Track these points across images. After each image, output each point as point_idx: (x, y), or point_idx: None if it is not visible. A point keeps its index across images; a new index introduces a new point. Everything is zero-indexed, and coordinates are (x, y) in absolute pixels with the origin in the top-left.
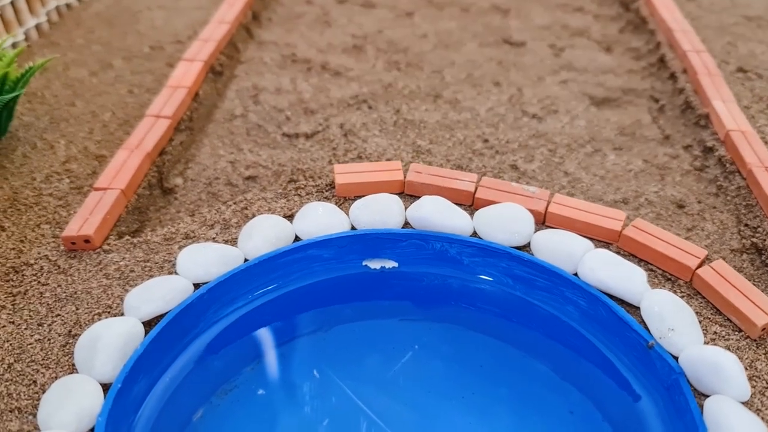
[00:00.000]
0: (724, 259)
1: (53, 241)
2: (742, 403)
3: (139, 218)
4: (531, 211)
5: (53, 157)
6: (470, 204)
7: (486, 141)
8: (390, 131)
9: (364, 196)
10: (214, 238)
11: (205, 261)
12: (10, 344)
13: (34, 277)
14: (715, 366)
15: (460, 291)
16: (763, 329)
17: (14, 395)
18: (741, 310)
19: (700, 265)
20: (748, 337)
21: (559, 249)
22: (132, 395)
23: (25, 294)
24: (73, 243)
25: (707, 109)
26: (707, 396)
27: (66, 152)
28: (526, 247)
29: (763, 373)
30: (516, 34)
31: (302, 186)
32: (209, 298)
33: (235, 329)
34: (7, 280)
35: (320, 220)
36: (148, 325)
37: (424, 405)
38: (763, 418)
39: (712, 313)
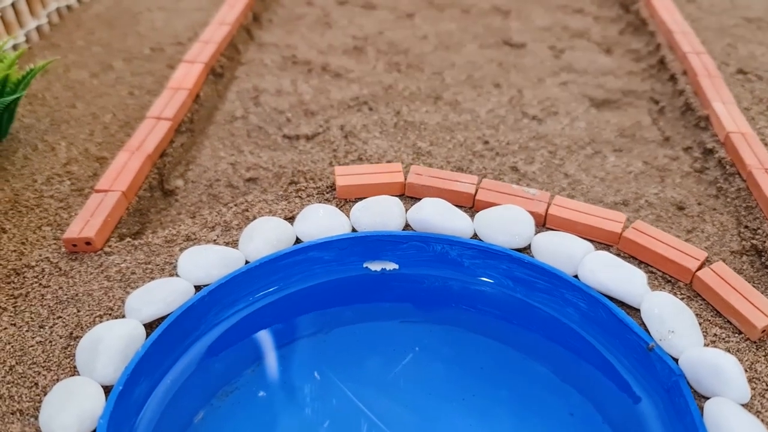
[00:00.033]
0: (724, 261)
1: (54, 243)
2: (742, 405)
3: (140, 220)
4: (531, 213)
5: (54, 159)
6: (471, 206)
7: (486, 143)
8: (390, 133)
9: (364, 198)
10: (215, 240)
11: (206, 263)
12: (12, 346)
13: (36, 279)
14: (715, 368)
15: (461, 293)
16: (763, 331)
17: (16, 397)
18: (741, 312)
19: (700, 267)
20: (748, 339)
21: (559, 251)
22: (133, 397)
23: (26, 296)
24: (74, 245)
25: (707, 110)
26: (707, 398)
27: (67, 154)
28: (526, 249)
29: (763, 375)
30: (516, 35)
31: (303, 188)
32: (210, 301)
33: (236, 331)
34: (9, 282)
35: (321, 222)
36: (150, 327)
37: (425, 407)
38: (763, 420)
39: (712, 315)
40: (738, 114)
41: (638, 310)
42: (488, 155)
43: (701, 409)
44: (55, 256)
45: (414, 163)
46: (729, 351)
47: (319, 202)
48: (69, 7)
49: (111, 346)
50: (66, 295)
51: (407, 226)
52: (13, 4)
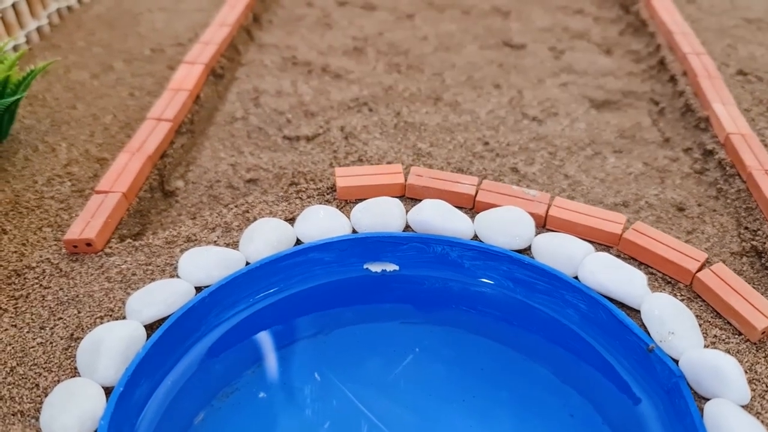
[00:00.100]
0: (724, 262)
1: (55, 245)
2: (742, 406)
3: (141, 221)
4: (531, 214)
5: (55, 160)
6: (471, 207)
7: (486, 144)
8: (390, 134)
9: (365, 199)
10: (215, 242)
11: (206, 264)
12: (13, 347)
13: (36, 281)
14: (715, 369)
15: (461, 294)
16: (763, 332)
17: (17, 399)
18: (741, 313)
19: (700, 269)
20: (748, 340)
21: (559, 252)
22: (134, 398)
23: (27, 297)
24: (75, 246)
25: (707, 111)
26: (707, 399)
27: (67, 155)
28: (526, 250)
29: (763, 377)
30: (516, 36)
31: (303, 189)
32: (211, 302)
33: (237, 332)
34: (9, 284)
35: (321, 223)
36: (150, 328)
37: (425, 408)
38: (763, 422)
39: (712, 317)
40: (738, 115)
41: (638, 312)
42: (488, 156)
43: (701, 410)
44: (55, 258)
45: (414, 165)
46: (729, 352)
47: (320, 204)
48: (69, 8)
49: (112, 347)
50: (67, 296)
51: (407, 228)
52: (13, 5)
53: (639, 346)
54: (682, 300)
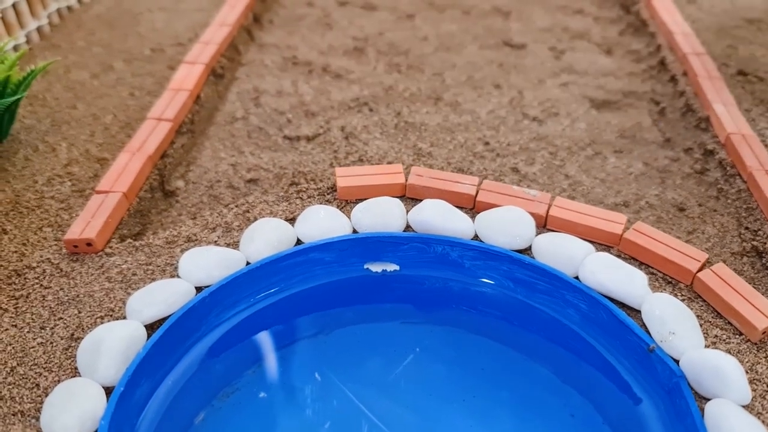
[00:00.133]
0: (724, 262)
1: (55, 245)
2: (743, 406)
3: (141, 221)
4: (532, 214)
5: (55, 160)
6: (471, 207)
7: (487, 144)
8: (391, 134)
9: (365, 199)
10: (215, 242)
11: (207, 264)
12: (13, 347)
13: (37, 281)
14: (715, 369)
15: (462, 294)
16: (764, 332)
17: (17, 399)
18: (742, 313)
19: (700, 269)
20: (748, 340)
21: (560, 252)
22: (134, 398)
23: (27, 297)
24: (75, 246)
25: (708, 112)
26: (708, 399)
27: (68, 155)
28: (527, 250)
29: (764, 377)
30: (516, 36)
31: (304, 189)
32: (211, 302)
33: (237, 332)
34: (10, 284)
35: (322, 223)
36: (151, 328)
37: (426, 408)
38: (764, 422)
39: (712, 317)
40: (738, 115)
41: (639, 312)
42: (489, 156)
43: (702, 410)
44: (56, 257)
45: (414, 164)
46: (730, 352)
47: (320, 203)
48: (69, 8)
49: (112, 347)
50: (67, 296)
51: (408, 228)
52: (13, 5)
53: (640, 346)
54: (682, 300)
